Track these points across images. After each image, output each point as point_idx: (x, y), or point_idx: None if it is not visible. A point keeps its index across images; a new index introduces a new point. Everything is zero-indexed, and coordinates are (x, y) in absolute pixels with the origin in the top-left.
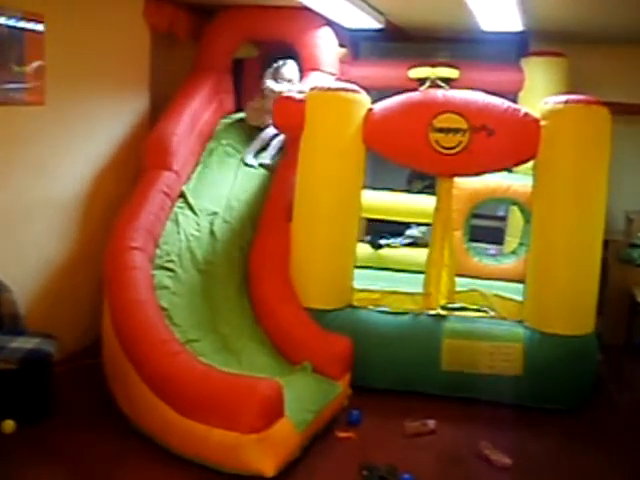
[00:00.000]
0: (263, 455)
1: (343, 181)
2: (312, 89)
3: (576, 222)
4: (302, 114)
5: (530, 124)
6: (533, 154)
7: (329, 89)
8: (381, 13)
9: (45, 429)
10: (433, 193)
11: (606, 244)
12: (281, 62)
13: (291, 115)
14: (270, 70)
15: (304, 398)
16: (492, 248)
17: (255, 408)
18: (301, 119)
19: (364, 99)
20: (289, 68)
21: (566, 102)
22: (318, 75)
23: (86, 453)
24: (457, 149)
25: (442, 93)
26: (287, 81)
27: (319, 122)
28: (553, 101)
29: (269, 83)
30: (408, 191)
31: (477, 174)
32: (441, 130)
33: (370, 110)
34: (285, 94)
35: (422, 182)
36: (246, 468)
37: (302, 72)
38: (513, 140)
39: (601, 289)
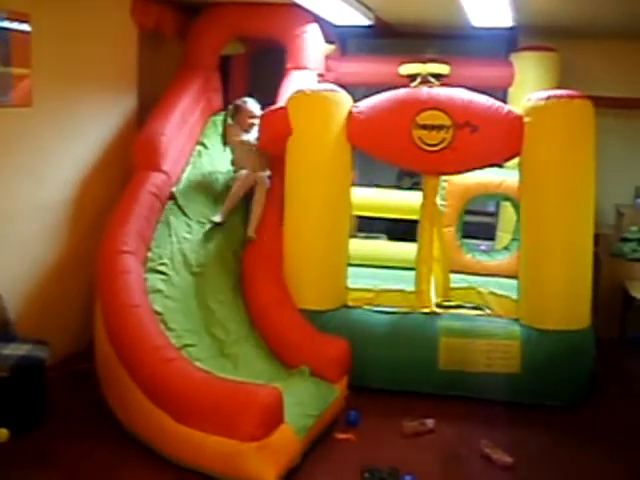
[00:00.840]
0: (264, 463)
1: (331, 181)
2: (294, 93)
3: (565, 217)
4: (288, 121)
5: (514, 121)
6: (518, 151)
7: (309, 91)
8: (370, 9)
9: (39, 437)
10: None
11: (597, 238)
12: (239, 101)
13: (278, 124)
14: (229, 111)
15: (303, 403)
16: (483, 244)
17: (255, 416)
18: (288, 126)
19: (345, 98)
20: (252, 104)
21: (548, 98)
22: (302, 74)
23: (82, 460)
24: (441, 146)
25: (425, 90)
26: (252, 117)
27: (303, 124)
28: (535, 97)
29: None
30: (398, 187)
31: (462, 171)
32: (424, 127)
33: (353, 109)
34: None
35: (411, 179)
36: (246, 476)
37: (288, 69)
38: (497, 137)
39: (593, 284)
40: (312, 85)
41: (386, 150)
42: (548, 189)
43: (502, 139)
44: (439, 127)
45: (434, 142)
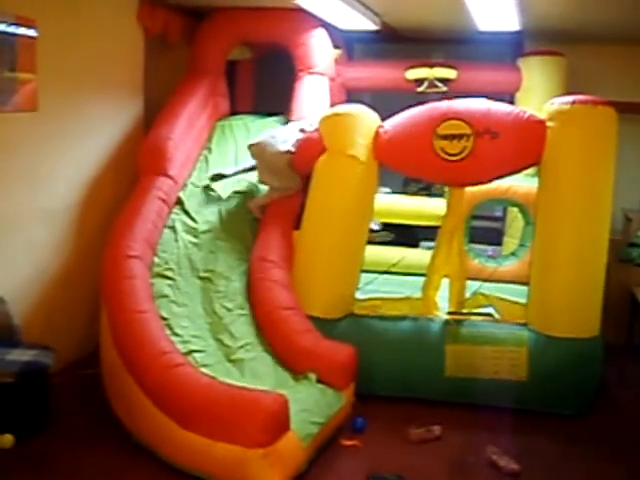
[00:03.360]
0: (269, 470)
1: (356, 197)
2: (326, 114)
3: (582, 224)
4: (323, 142)
5: (535, 126)
6: (539, 156)
7: (341, 111)
8: (377, 14)
9: (44, 443)
10: (429, 195)
11: None
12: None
13: (314, 148)
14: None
15: (309, 410)
16: (490, 249)
17: (260, 422)
18: (323, 147)
19: (373, 118)
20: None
21: (573, 103)
22: (313, 78)
23: (86, 467)
24: (462, 155)
25: (445, 102)
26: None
27: (334, 143)
28: (559, 102)
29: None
30: (404, 193)
31: (485, 181)
32: (445, 137)
33: (380, 127)
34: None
35: (417, 185)
36: None
37: (299, 74)
38: (518, 143)
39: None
40: (344, 106)
41: (411, 165)
42: (568, 195)
43: (524, 145)
44: (459, 136)
45: (455, 152)
